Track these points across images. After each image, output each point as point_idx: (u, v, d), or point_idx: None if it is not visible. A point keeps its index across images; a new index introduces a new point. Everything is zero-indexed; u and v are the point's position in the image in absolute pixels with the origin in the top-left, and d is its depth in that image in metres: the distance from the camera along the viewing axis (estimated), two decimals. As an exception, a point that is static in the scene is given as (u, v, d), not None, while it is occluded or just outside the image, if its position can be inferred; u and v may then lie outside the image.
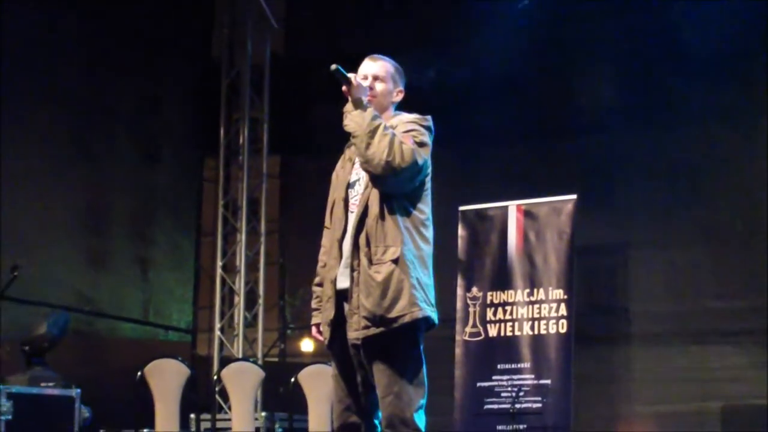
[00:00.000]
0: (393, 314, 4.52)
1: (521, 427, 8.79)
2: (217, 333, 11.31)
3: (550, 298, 9.13)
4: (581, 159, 10.43)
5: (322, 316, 4.79)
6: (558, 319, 9.07)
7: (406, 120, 4.84)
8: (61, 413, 7.96)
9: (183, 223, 11.99)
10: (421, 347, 4.67)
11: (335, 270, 4.73)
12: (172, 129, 11.83)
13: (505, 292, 9.25)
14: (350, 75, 4.81)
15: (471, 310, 9.39)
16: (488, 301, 9.34)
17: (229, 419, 9.34)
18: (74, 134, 10.44)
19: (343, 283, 4.69)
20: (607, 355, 10.28)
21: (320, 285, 4.92)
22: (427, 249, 4.71)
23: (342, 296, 4.71)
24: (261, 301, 11.45)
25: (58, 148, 10.15)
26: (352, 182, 4.86)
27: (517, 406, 8.72)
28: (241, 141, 11.59)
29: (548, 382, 8.93)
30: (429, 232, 4.75)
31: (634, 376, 10.29)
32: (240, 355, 10.99)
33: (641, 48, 10.50)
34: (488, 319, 9.34)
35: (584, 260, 9.71)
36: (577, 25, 10.59)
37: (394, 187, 4.66)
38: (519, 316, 9.18)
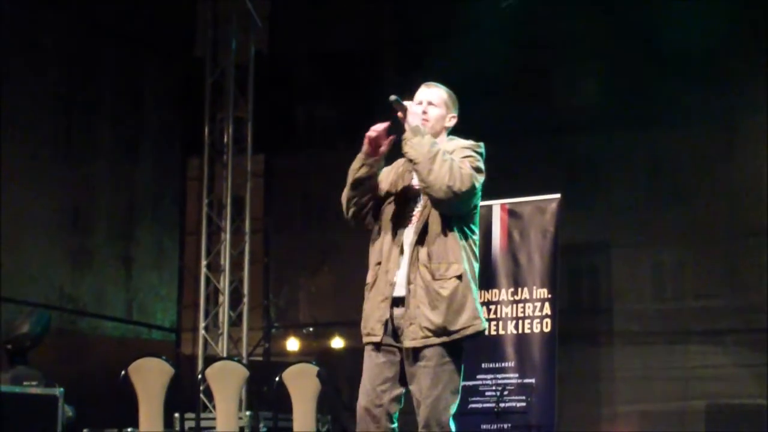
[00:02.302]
0: (457, 326, 4.85)
1: (505, 426, 8.79)
2: (202, 332, 11.28)
3: (534, 297, 9.13)
4: (565, 158, 10.46)
5: (377, 314, 4.99)
6: (542, 318, 9.06)
7: (461, 146, 5.11)
8: (45, 412, 7.93)
9: (167, 222, 11.97)
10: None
11: (393, 273, 4.98)
12: (156, 128, 11.81)
13: (489, 291, 9.24)
14: (406, 102, 5.08)
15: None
16: (472, 300, 9.32)
17: (214, 418, 9.30)
18: (58, 133, 10.42)
19: (400, 291, 4.94)
20: (591, 354, 10.32)
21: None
22: (477, 266, 5.02)
23: (394, 302, 4.97)
24: (245, 300, 11.42)
25: (41, 147, 10.13)
26: (412, 196, 5.10)
27: (502, 404, 8.72)
28: (225, 139, 11.56)
29: (532, 381, 8.93)
30: (477, 250, 5.07)
31: (617, 375, 10.32)
32: (224, 354, 10.97)
33: (624, 48, 10.52)
34: (472, 318, 9.32)
35: (568, 259, 9.72)
36: (560, 24, 10.61)
37: (453, 209, 4.96)
38: (503, 315, 9.17)
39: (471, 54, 10.56)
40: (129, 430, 8.80)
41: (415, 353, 4.88)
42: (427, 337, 4.84)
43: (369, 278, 5.11)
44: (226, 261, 11.40)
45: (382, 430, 4.98)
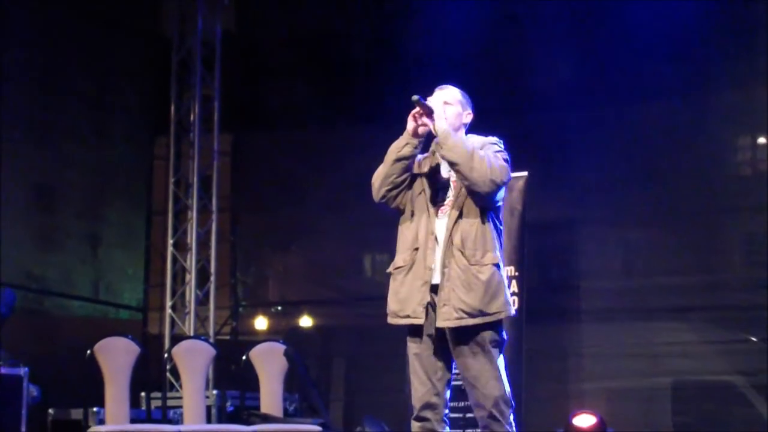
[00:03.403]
0: (492, 309, 5.20)
1: (462, 404, 8.79)
2: (168, 311, 11.24)
3: (501, 275, 9.11)
4: (533, 136, 10.43)
5: (418, 297, 5.24)
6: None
7: (488, 141, 5.47)
8: (9, 392, 7.90)
9: (134, 201, 11.90)
10: None
11: (432, 259, 5.26)
12: (123, 106, 11.73)
13: (457, 268, 9.23)
14: (430, 104, 5.37)
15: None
16: (440, 278, 9.31)
17: (180, 397, 9.28)
18: (23, 112, 10.33)
19: (437, 278, 5.23)
20: (559, 332, 10.35)
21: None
22: (501, 254, 5.35)
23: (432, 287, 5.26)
24: (212, 278, 11.39)
25: (6, 126, 10.03)
26: (442, 185, 5.41)
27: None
28: (192, 118, 11.51)
29: (500, 358, 8.92)
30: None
31: (585, 352, 10.36)
32: (191, 333, 10.94)
33: (594, 25, 10.51)
34: (440, 295, 9.31)
35: (535, 237, 9.72)
36: (528, 3, 10.59)
37: (490, 200, 5.34)
38: (470, 293, 9.16)
39: (439, 32, 10.54)
40: (95, 409, 8.78)
41: (460, 336, 5.20)
42: (462, 318, 5.16)
43: (401, 261, 5.38)
44: (193, 240, 11.36)
45: (440, 418, 5.31)
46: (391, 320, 5.38)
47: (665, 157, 10.46)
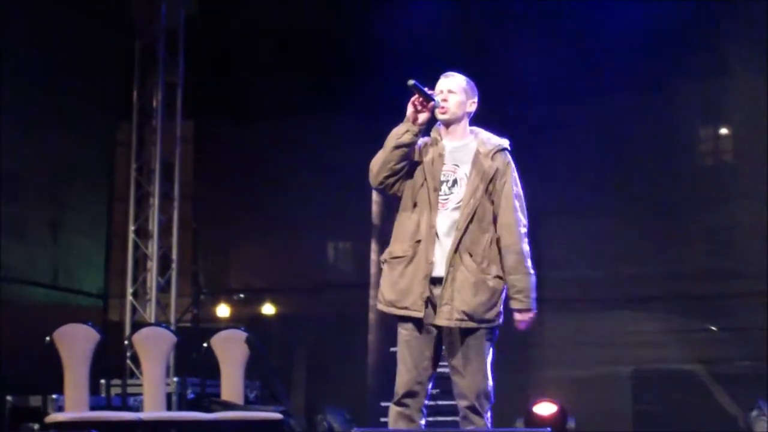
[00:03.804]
0: (490, 317, 5.27)
1: (435, 391, 8.79)
2: (129, 298, 11.18)
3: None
4: (499, 125, 10.43)
5: (418, 290, 5.27)
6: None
7: (501, 152, 5.52)
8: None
9: (95, 187, 11.82)
10: None
11: (432, 252, 5.28)
12: (85, 92, 11.61)
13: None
14: (429, 91, 5.35)
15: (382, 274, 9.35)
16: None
17: (141, 384, 9.23)
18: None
19: (438, 271, 5.27)
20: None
21: None
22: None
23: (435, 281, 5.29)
24: (174, 266, 11.34)
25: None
26: (444, 180, 5.38)
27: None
28: (155, 105, 11.43)
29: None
30: None
31: (547, 341, 10.38)
32: (152, 320, 10.88)
33: (560, 19, 10.53)
34: (402, 284, 9.29)
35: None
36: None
37: None
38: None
39: (409, 21, 10.51)
40: (54, 396, 8.71)
41: (464, 335, 5.26)
42: (463, 320, 5.22)
43: (400, 251, 5.38)
44: (154, 227, 11.29)
45: (419, 407, 5.36)
46: (385, 309, 5.39)
47: (629, 148, 10.51)
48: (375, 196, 9.58)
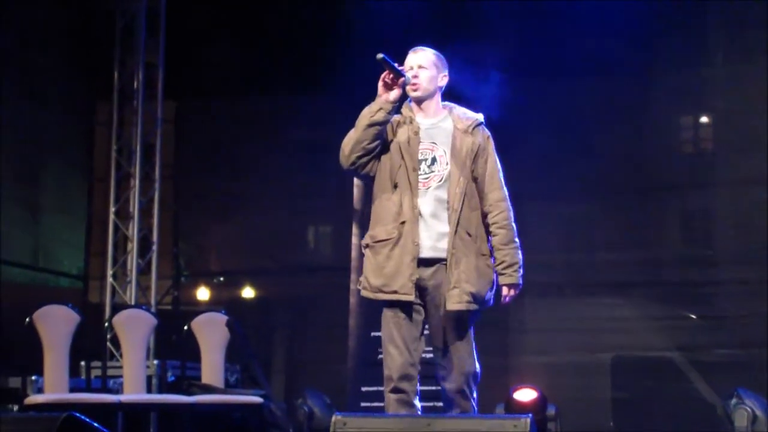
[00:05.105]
0: (489, 297, 5.35)
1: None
2: (110, 280, 11.14)
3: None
4: (471, 109, 10.43)
5: (407, 273, 5.22)
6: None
7: (479, 126, 5.55)
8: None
9: (74, 168, 11.77)
10: None
11: (417, 233, 5.23)
12: (65, 72, 11.57)
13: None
14: (400, 67, 5.30)
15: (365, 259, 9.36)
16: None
17: (121, 367, 9.22)
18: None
19: (429, 252, 5.24)
20: (499, 307, 10.38)
21: None
22: None
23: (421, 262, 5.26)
24: (155, 248, 11.30)
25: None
26: (423, 159, 5.33)
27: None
28: (135, 85, 11.38)
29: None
30: None
31: (525, 326, 10.41)
32: (132, 302, 10.86)
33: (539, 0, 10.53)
34: (383, 268, 9.30)
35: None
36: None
37: None
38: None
39: (378, 3, 10.47)
40: (33, 377, 8.70)
41: (460, 317, 5.28)
42: (470, 302, 5.23)
43: (384, 234, 5.29)
44: (135, 208, 11.24)
45: (415, 390, 5.32)
46: (371, 295, 5.31)
47: (608, 133, 10.52)
48: (356, 179, 9.57)
